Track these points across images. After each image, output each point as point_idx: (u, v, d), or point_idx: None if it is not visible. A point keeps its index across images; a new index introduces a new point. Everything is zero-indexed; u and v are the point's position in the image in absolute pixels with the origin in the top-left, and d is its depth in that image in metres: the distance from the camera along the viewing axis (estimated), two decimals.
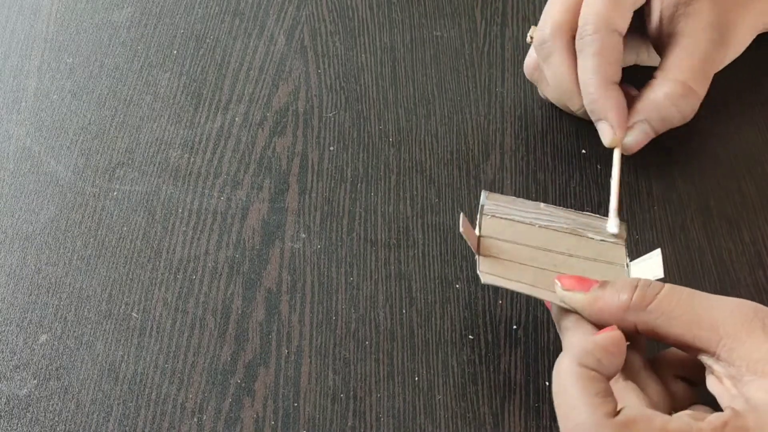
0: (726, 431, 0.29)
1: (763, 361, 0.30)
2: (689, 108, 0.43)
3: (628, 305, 0.33)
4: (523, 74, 0.50)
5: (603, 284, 0.35)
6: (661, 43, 0.44)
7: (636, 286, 0.34)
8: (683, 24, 0.43)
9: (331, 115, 0.51)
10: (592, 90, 0.42)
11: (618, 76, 0.43)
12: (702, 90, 0.43)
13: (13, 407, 0.40)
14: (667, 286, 0.33)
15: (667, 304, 0.33)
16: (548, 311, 0.42)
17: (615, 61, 0.42)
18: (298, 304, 0.43)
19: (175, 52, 0.55)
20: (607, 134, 0.43)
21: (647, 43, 0.47)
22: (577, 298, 0.35)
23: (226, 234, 0.46)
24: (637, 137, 0.43)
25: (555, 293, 0.36)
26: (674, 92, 0.43)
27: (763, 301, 0.35)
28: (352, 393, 0.40)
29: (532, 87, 0.51)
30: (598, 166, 0.48)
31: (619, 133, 0.43)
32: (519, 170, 0.48)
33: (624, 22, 0.42)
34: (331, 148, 0.49)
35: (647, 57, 0.48)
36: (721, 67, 0.45)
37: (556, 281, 0.36)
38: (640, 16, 0.45)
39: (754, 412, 0.30)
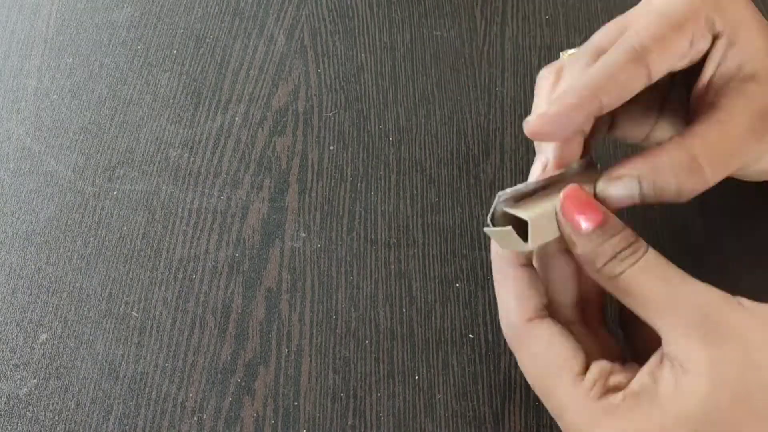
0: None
1: (687, 361, 0.30)
2: (689, 188, 0.34)
3: (598, 269, 0.32)
4: (523, 74, 0.50)
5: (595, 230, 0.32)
6: (696, 113, 0.36)
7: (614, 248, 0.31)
8: (729, 100, 0.35)
9: (331, 114, 0.51)
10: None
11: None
12: (713, 176, 0.34)
13: (13, 406, 0.40)
14: (643, 261, 0.31)
15: (636, 285, 0.31)
16: None
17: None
18: (298, 304, 0.43)
19: (174, 51, 0.55)
20: (535, 169, 0.37)
21: (666, 120, 0.39)
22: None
23: (226, 233, 0.46)
24: (620, 193, 0.34)
25: None
26: (680, 162, 0.34)
27: (764, 301, 0.35)
28: (352, 392, 0.40)
29: (531, 87, 0.51)
30: (598, 166, 0.47)
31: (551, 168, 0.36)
32: (519, 170, 0.48)
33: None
34: (331, 148, 0.49)
35: (660, 135, 0.40)
36: (746, 165, 0.36)
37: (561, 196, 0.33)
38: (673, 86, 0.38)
39: (655, 398, 0.30)
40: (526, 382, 0.40)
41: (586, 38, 0.54)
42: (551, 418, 0.39)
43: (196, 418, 0.39)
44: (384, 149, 0.49)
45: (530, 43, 0.54)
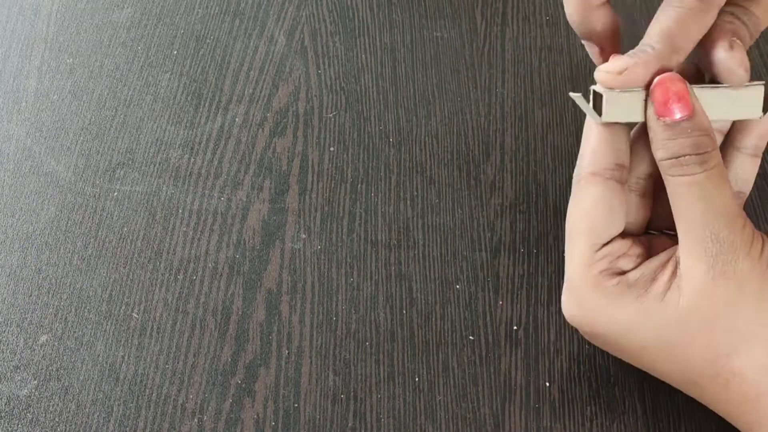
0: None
1: (686, 280, 0.32)
2: None
3: (659, 160, 0.33)
4: (523, 74, 0.50)
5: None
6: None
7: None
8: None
9: (331, 115, 0.51)
10: None
11: None
12: None
13: (14, 408, 0.40)
14: (702, 176, 0.32)
15: (680, 194, 0.32)
16: (548, 311, 0.42)
17: None
18: (299, 305, 0.43)
19: (175, 52, 0.55)
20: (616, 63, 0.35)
21: None
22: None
23: (227, 234, 0.46)
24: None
25: None
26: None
27: None
28: (352, 394, 0.40)
29: (532, 87, 0.51)
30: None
31: (630, 74, 0.34)
32: (519, 171, 0.48)
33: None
34: (332, 149, 0.49)
35: None
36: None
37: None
38: None
39: (641, 295, 0.33)
40: (526, 383, 0.40)
41: None
42: (552, 420, 0.39)
43: (196, 420, 0.39)
44: (384, 150, 0.49)
45: (530, 43, 0.54)
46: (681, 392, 0.37)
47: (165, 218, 0.47)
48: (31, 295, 0.44)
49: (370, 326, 0.42)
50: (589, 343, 0.41)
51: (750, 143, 0.36)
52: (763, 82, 0.34)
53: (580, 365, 0.40)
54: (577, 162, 0.35)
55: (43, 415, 0.40)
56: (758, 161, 0.36)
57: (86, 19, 0.57)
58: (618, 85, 0.33)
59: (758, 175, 0.47)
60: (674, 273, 0.33)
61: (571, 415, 0.39)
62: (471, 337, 0.42)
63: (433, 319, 0.42)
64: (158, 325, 0.43)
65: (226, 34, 0.55)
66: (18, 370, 0.41)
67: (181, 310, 0.43)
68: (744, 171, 0.36)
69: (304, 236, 0.46)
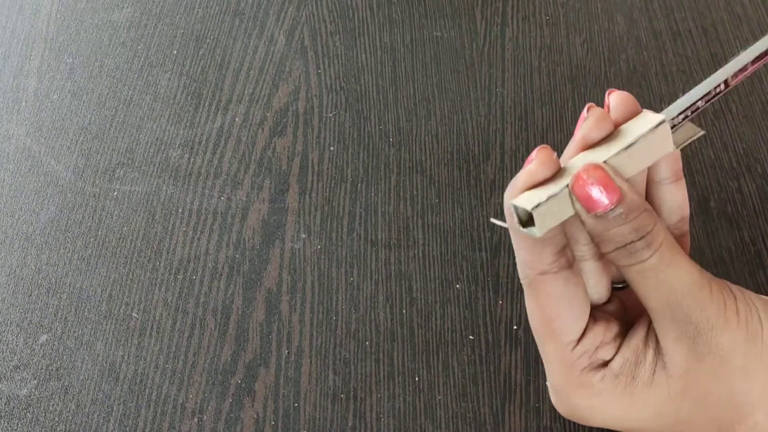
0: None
1: (669, 360, 0.31)
2: None
3: (605, 253, 0.30)
4: (523, 74, 0.50)
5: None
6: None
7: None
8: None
9: (331, 115, 0.51)
10: None
11: None
12: None
13: (14, 407, 0.40)
14: (654, 260, 0.30)
15: (639, 283, 0.30)
16: None
17: None
18: (299, 305, 0.43)
19: (175, 52, 0.55)
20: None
21: None
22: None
23: (227, 234, 0.46)
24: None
25: None
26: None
27: None
28: (352, 393, 0.40)
29: (532, 86, 0.51)
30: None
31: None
32: (519, 170, 0.48)
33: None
34: (332, 148, 0.49)
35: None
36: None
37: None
38: None
39: (629, 385, 0.32)
40: (526, 382, 0.40)
41: (586, 39, 0.55)
42: (551, 419, 0.39)
43: (196, 419, 0.39)
44: (384, 150, 0.49)
45: (530, 43, 0.54)
46: None
47: (165, 218, 0.47)
48: (30, 295, 0.44)
49: (370, 326, 0.42)
50: None
51: (667, 173, 0.34)
52: (661, 116, 0.31)
53: None
54: (518, 266, 0.33)
55: (43, 414, 0.40)
56: (683, 183, 0.34)
57: (86, 18, 0.57)
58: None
59: (758, 175, 0.47)
60: (656, 351, 0.31)
61: None
62: (471, 337, 0.42)
63: (433, 318, 0.42)
64: (158, 324, 0.43)
65: (226, 33, 0.55)
66: (18, 370, 0.41)
67: (180, 309, 0.43)
68: (674, 199, 0.34)
69: (304, 236, 0.46)
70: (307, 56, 0.54)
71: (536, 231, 0.30)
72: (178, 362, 0.41)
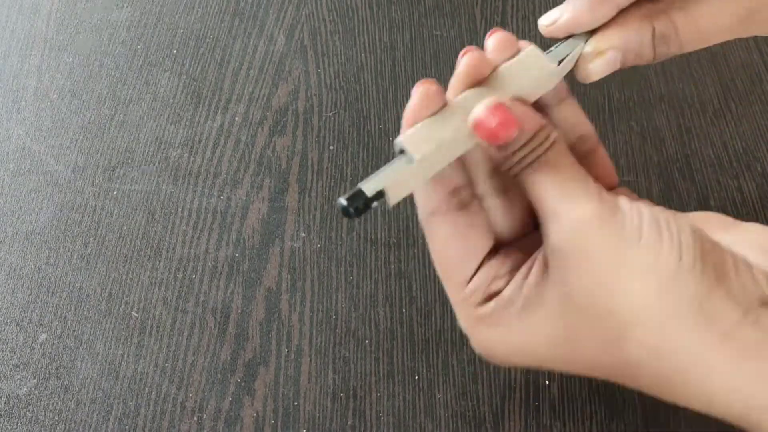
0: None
1: (555, 266, 0.30)
2: (664, 53, 0.35)
3: (503, 169, 0.31)
4: None
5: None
6: None
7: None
8: None
9: (330, 114, 0.51)
10: None
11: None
12: (689, 46, 0.34)
13: (13, 406, 0.40)
14: (546, 160, 0.30)
15: (534, 187, 0.30)
16: None
17: None
18: (298, 303, 0.43)
19: (174, 51, 0.55)
20: (549, 15, 0.34)
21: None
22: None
23: (226, 233, 0.46)
24: (603, 69, 0.34)
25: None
26: (661, 33, 0.34)
27: None
28: (352, 392, 0.40)
29: None
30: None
31: (560, 25, 0.34)
32: None
33: None
34: (331, 147, 0.49)
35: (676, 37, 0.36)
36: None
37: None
38: None
39: (552, 255, 0.30)
40: (525, 381, 0.40)
41: None
42: (550, 418, 0.39)
43: (195, 418, 0.39)
44: (384, 149, 0.49)
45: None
46: None
47: (164, 217, 0.47)
48: (30, 294, 0.44)
49: (370, 324, 0.42)
50: None
51: (549, 97, 0.34)
52: (531, 45, 0.32)
53: None
54: (420, 206, 0.33)
55: (43, 413, 0.40)
56: (572, 102, 0.34)
57: (86, 18, 0.57)
58: (559, 33, 0.32)
59: (758, 174, 0.47)
60: (544, 267, 0.31)
61: (570, 413, 0.39)
62: None
63: (433, 317, 0.42)
64: (158, 323, 0.43)
65: (226, 33, 0.55)
66: (17, 369, 0.41)
67: (180, 308, 0.43)
68: (566, 119, 0.34)
69: (303, 235, 0.46)
70: (307, 55, 0.54)
71: (413, 157, 0.30)
72: (177, 361, 0.41)
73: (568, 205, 0.30)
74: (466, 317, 0.32)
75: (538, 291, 0.31)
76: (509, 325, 0.31)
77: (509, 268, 0.32)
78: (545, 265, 0.31)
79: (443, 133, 0.30)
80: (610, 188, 0.35)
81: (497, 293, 0.32)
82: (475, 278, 0.32)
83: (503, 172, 0.32)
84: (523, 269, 0.32)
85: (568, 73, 0.33)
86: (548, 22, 0.33)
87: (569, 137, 0.34)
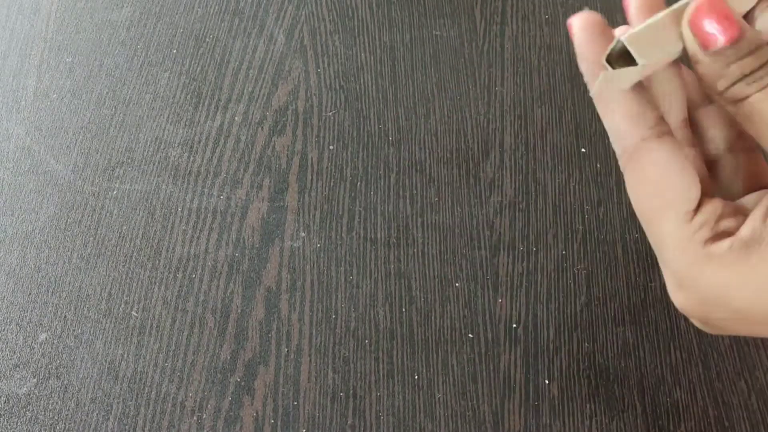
0: None
1: None
2: None
3: (720, 92, 0.28)
4: (523, 73, 0.50)
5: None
6: None
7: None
8: None
9: (330, 114, 0.51)
10: None
11: None
12: None
13: (13, 406, 0.40)
14: None
15: (762, 111, 0.27)
16: (547, 309, 0.42)
17: None
18: (298, 303, 0.43)
19: (174, 51, 0.55)
20: None
21: None
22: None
23: (226, 233, 0.46)
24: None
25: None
26: None
27: None
28: (351, 392, 0.40)
29: (531, 85, 0.51)
30: (597, 165, 0.48)
31: None
32: (518, 169, 0.48)
33: None
34: (331, 147, 0.49)
35: None
36: None
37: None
38: None
39: (764, 246, 0.27)
40: (525, 381, 0.40)
41: None
42: (550, 418, 0.39)
43: (195, 418, 0.39)
44: (384, 149, 0.49)
45: (530, 42, 0.54)
46: (680, 389, 0.37)
47: (164, 217, 0.47)
48: (30, 294, 0.44)
49: (370, 324, 0.42)
50: (589, 341, 0.41)
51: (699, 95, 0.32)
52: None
53: (580, 363, 0.40)
54: (616, 144, 0.30)
55: (43, 413, 0.40)
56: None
57: (86, 18, 0.57)
58: None
59: None
60: None
61: (570, 412, 0.39)
62: (470, 335, 0.42)
63: (433, 317, 0.42)
64: (157, 323, 0.43)
65: (226, 33, 0.55)
66: (17, 369, 0.41)
67: (180, 308, 0.43)
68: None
69: (303, 234, 0.46)
70: (307, 55, 0.54)
71: (640, 61, 0.27)
72: (177, 361, 0.41)
73: None
74: (689, 258, 0.28)
75: None
76: (749, 267, 0.27)
77: (733, 208, 0.29)
78: None
79: (656, 32, 0.28)
80: (761, 188, 0.32)
81: (727, 233, 0.28)
82: (701, 211, 0.28)
83: (721, 106, 0.29)
84: (759, 211, 0.28)
85: None
86: None
87: (721, 135, 0.32)
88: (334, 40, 0.55)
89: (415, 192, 0.47)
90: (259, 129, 0.50)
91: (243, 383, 0.40)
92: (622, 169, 0.30)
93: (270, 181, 0.48)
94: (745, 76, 0.27)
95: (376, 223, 0.46)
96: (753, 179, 0.33)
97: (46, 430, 0.39)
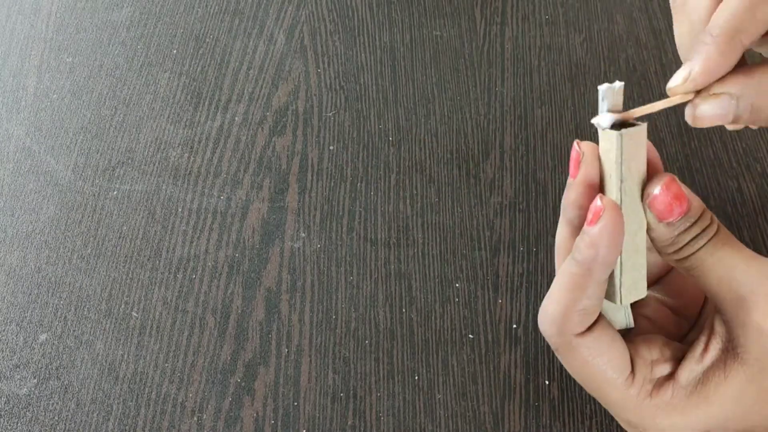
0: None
1: (743, 349, 0.31)
2: None
3: (666, 254, 0.32)
4: (523, 74, 0.50)
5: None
6: None
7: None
8: None
9: (330, 114, 0.51)
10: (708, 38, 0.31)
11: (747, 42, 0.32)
12: None
13: (13, 406, 0.40)
14: (717, 240, 0.31)
15: (707, 268, 0.31)
16: None
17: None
18: (298, 304, 0.43)
19: (174, 51, 0.55)
20: (678, 75, 0.32)
21: None
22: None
23: (226, 233, 0.46)
24: (715, 112, 0.32)
25: None
26: None
27: None
28: (352, 392, 0.40)
29: (531, 86, 0.51)
30: None
31: (695, 77, 0.32)
32: (519, 169, 0.48)
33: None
34: (331, 148, 0.49)
35: None
36: None
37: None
38: None
39: (703, 392, 0.32)
40: (525, 381, 0.40)
41: (586, 38, 0.55)
42: (550, 418, 0.39)
43: (195, 418, 0.39)
44: (384, 149, 0.49)
45: (530, 42, 0.54)
46: None
47: (164, 217, 0.47)
48: (30, 294, 0.44)
49: (370, 325, 0.42)
50: None
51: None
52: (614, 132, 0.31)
53: None
54: (549, 339, 0.34)
55: (43, 413, 0.40)
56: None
57: (86, 18, 0.57)
58: (691, 88, 0.31)
59: (758, 175, 0.47)
60: (726, 347, 0.31)
61: (570, 413, 0.39)
62: (470, 336, 0.42)
63: (433, 317, 0.42)
64: (158, 323, 0.43)
65: (226, 33, 0.55)
66: (18, 369, 0.41)
67: (180, 308, 0.43)
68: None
69: (303, 235, 0.46)
70: (307, 55, 0.54)
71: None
72: (177, 361, 0.41)
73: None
74: (640, 413, 0.32)
75: (723, 368, 0.31)
76: (691, 405, 0.32)
77: (658, 347, 0.33)
78: (727, 343, 0.31)
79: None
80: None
81: (667, 378, 0.32)
82: (637, 372, 0.33)
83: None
84: (696, 351, 0.32)
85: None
86: (679, 80, 0.32)
87: None
88: (334, 41, 0.55)
89: (415, 192, 0.47)
90: (260, 129, 0.50)
91: (243, 384, 0.40)
92: (554, 350, 0.34)
93: (270, 182, 0.48)
94: (691, 239, 0.31)
95: (376, 224, 0.46)
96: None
97: (46, 430, 0.39)
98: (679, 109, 0.50)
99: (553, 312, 0.32)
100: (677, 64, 0.53)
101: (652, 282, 0.37)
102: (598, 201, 0.31)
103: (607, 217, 0.30)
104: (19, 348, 0.42)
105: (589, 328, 0.33)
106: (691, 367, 0.32)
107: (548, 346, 0.41)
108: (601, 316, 0.33)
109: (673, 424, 0.32)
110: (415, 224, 0.46)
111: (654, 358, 0.33)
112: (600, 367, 0.32)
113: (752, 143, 0.48)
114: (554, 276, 0.33)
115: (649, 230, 0.32)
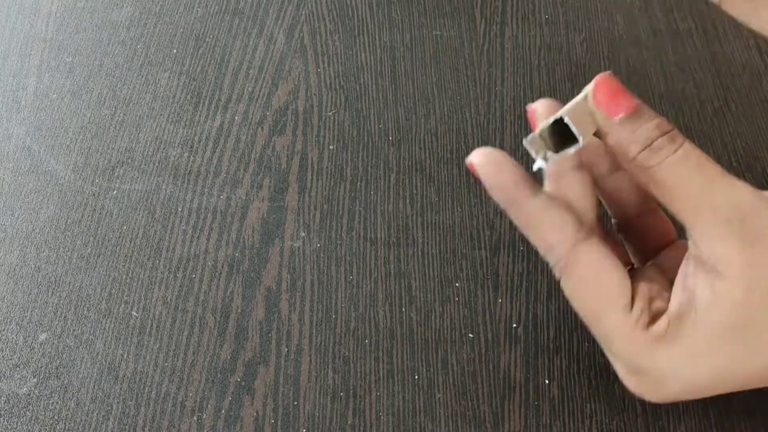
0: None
1: (722, 264, 0.29)
2: None
3: (632, 158, 0.31)
4: (523, 73, 0.50)
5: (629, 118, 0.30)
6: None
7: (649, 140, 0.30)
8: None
9: (330, 114, 0.51)
10: None
11: None
12: None
13: (13, 406, 0.40)
14: (681, 151, 0.30)
15: (672, 177, 0.30)
16: (548, 309, 0.42)
17: None
18: (298, 303, 0.43)
19: (174, 51, 0.55)
20: None
21: None
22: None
23: (226, 233, 0.46)
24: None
25: None
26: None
27: None
28: (351, 391, 0.40)
29: (531, 85, 0.51)
30: None
31: None
32: None
33: None
34: (331, 147, 0.49)
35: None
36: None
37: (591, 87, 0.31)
38: None
39: (693, 313, 0.30)
40: (525, 380, 0.40)
41: (585, 38, 0.55)
42: (550, 418, 0.39)
43: (195, 418, 0.39)
44: (384, 149, 0.49)
45: (530, 42, 0.54)
46: None
47: (164, 216, 0.47)
48: (30, 294, 0.44)
49: (370, 324, 0.42)
50: (589, 341, 0.41)
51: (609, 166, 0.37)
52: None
53: (580, 363, 0.40)
54: (548, 256, 0.33)
55: (43, 413, 0.40)
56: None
57: (85, 17, 0.57)
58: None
59: (758, 174, 0.47)
60: (706, 273, 0.30)
61: (570, 412, 0.39)
62: (470, 335, 0.42)
63: (433, 316, 0.42)
64: (157, 323, 0.43)
65: (226, 32, 0.55)
66: (17, 368, 0.41)
67: (180, 308, 0.43)
68: (623, 183, 0.37)
69: (303, 234, 0.46)
70: (307, 55, 0.54)
71: (580, 138, 0.30)
72: (177, 360, 0.41)
73: (730, 190, 0.29)
74: (637, 345, 0.31)
75: (710, 292, 0.30)
76: (689, 338, 0.30)
77: (659, 286, 0.32)
78: (702, 265, 0.30)
79: (578, 110, 0.31)
80: (669, 243, 0.36)
81: (661, 312, 0.31)
82: (636, 305, 0.31)
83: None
84: (681, 281, 0.31)
85: None
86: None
87: (630, 200, 0.35)
88: (334, 40, 0.55)
89: (415, 192, 0.47)
90: (259, 129, 0.50)
91: (243, 383, 0.40)
92: (557, 277, 0.33)
93: (270, 181, 0.48)
94: (652, 142, 0.30)
95: (376, 223, 0.46)
96: (661, 237, 0.36)
97: (46, 430, 0.39)
98: (680, 111, 0.50)
99: (543, 236, 0.32)
100: (677, 63, 0.53)
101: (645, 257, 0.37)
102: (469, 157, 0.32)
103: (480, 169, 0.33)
104: (19, 347, 0.42)
105: (584, 238, 0.32)
106: (680, 298, 0.31)
107: (548, 346, 0.41)
108: (597, 242, 0.32)
109: (671, 357, 0.30)
110: (414, 224, 0.46)
111: (653, 294, 0.32)
112: (604, 283, 0.31)
113: (752, 143, 0.48)
114: (553, 276, 0.33)
115: (605, 136, 0.31)
